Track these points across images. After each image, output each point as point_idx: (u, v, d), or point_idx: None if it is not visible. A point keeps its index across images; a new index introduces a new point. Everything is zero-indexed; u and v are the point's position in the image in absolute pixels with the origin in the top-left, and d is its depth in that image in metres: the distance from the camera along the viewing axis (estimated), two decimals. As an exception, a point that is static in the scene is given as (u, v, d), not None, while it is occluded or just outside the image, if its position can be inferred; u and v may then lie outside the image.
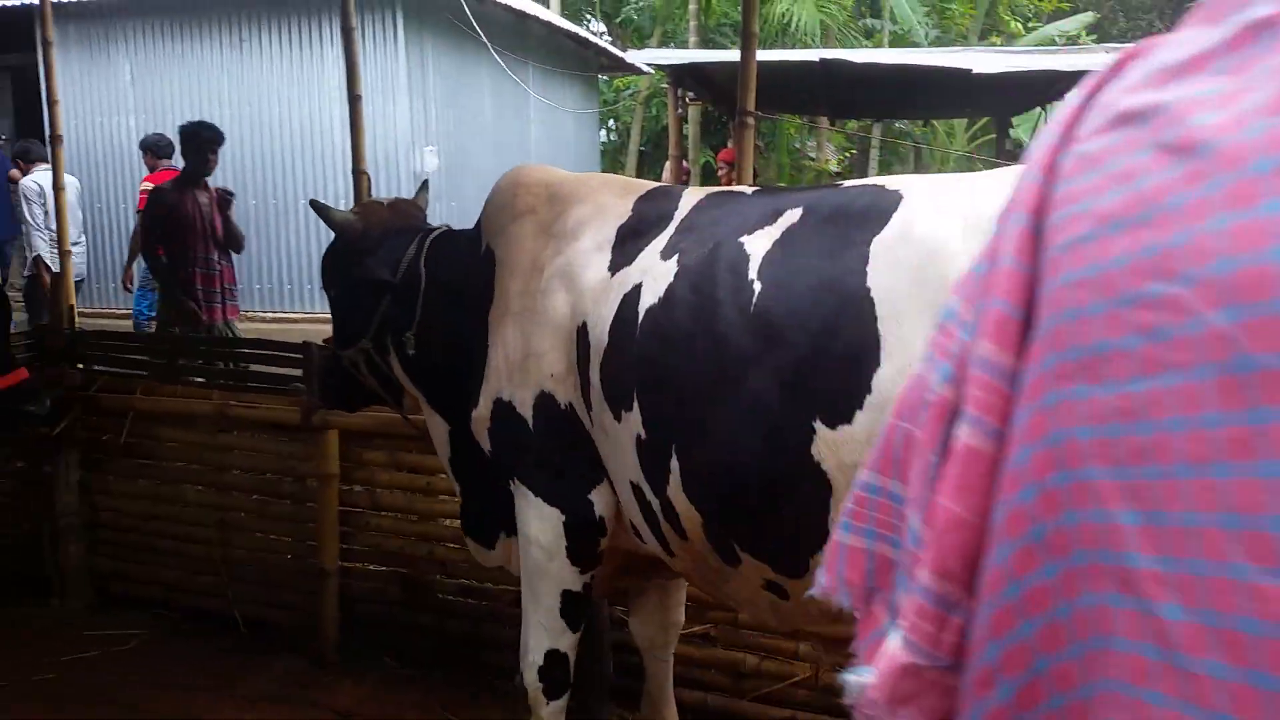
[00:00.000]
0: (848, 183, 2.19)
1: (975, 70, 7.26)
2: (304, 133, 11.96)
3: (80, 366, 4.73)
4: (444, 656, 4.06)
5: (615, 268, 2.41)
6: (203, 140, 6.67)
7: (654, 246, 2.35)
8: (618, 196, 2.59)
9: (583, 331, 2.42)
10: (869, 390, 1.81)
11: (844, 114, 10.83)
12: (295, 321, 11.92)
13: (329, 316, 3.24)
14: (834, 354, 1.87)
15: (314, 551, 4.22)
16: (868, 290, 1.84)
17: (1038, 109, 9.97)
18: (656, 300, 2.22)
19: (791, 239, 2.07)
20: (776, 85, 6.50)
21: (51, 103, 5.41)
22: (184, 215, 6.52)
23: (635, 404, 2.24)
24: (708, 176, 15.57)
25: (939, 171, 19.13)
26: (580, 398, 2.46)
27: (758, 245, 2.11)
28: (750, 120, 5.45)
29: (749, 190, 2.41)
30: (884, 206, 1.95)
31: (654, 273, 2.28)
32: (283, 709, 3.74)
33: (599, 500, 2.54)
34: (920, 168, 21.06)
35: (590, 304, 2.41)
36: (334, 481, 4.13)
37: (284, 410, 4.21)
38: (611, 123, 23.54)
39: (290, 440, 4.28)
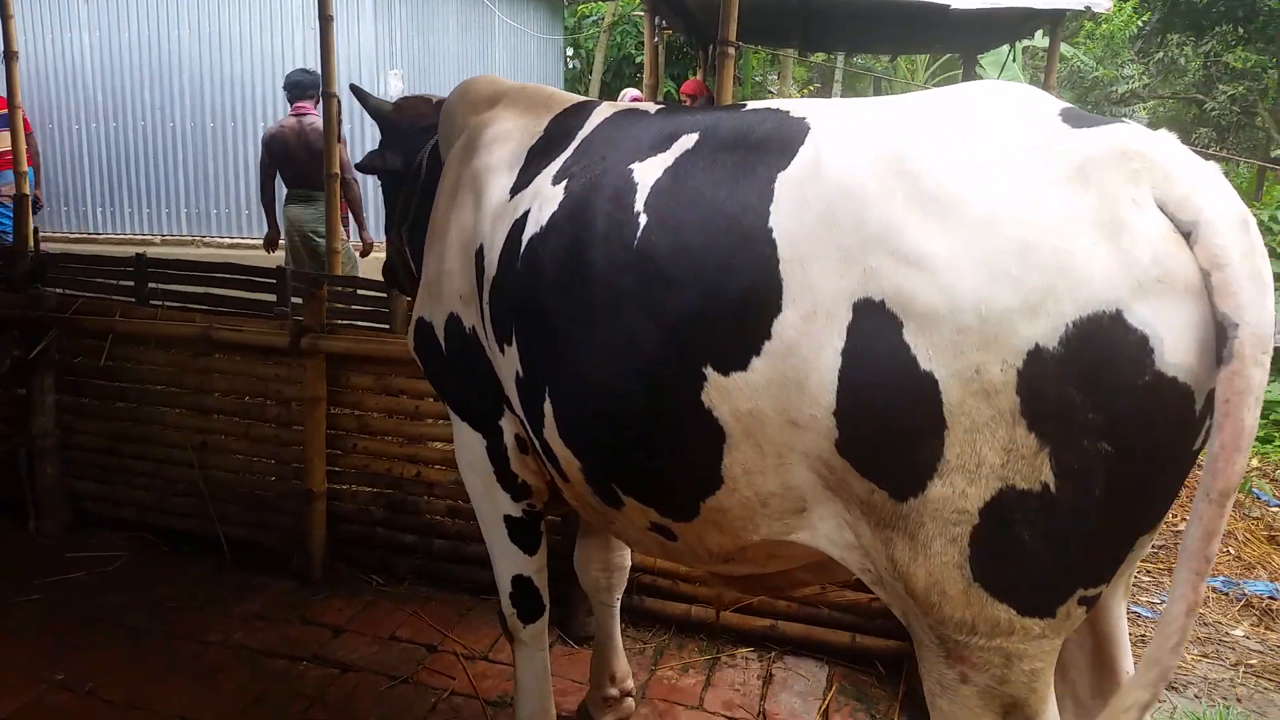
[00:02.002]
0: (749, 104, 2.00)
1: (954, 6, 7.26)
2: (268, 55, 11.66)
3: (60, 291, 4.66)
4: (431, 576, 4.15)
5: (515, 190, 2.28)
6: None
7: (549, 169, 2.21)
8: (539, 112, 2.47)
9: (480, 255, 2.32)
10: (768, 337, 1.65)
11: (817, 47, 10.76)
12: (255, 247, 11.72)
13: None
14: (730, 297, 1.70)
15: (299, 474, 4.25)
16: (770, 231, 1.68)
17: (1006, 46, 10.00)
18: (539, 229, 2.07)
19: (685, 168, 1.89)
20: (752, 16, 6.47)
21: (5, 17, 5.22)
22: None
23: (514, 339, 2.14)
24: (671, 107, 15.46)
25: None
26: (480, 322, 2.37)
27: (647, 173, 1.94)
28: (731, 51, 5.46)
29: (653, 109, 2.23)
30: (788, 136, 1.78)
31: (542, 197, 2.13)
32: (276, 627, 3.80)
33: (506, 428, 2.46)
34: (881, 102, 21.04)
35: (488, 226, 2.30)
36: (321, 405, 4.14)
37: (271, 334, 4.21)
38: (570, 50, 23.16)
39: (275, 364, 4.28)
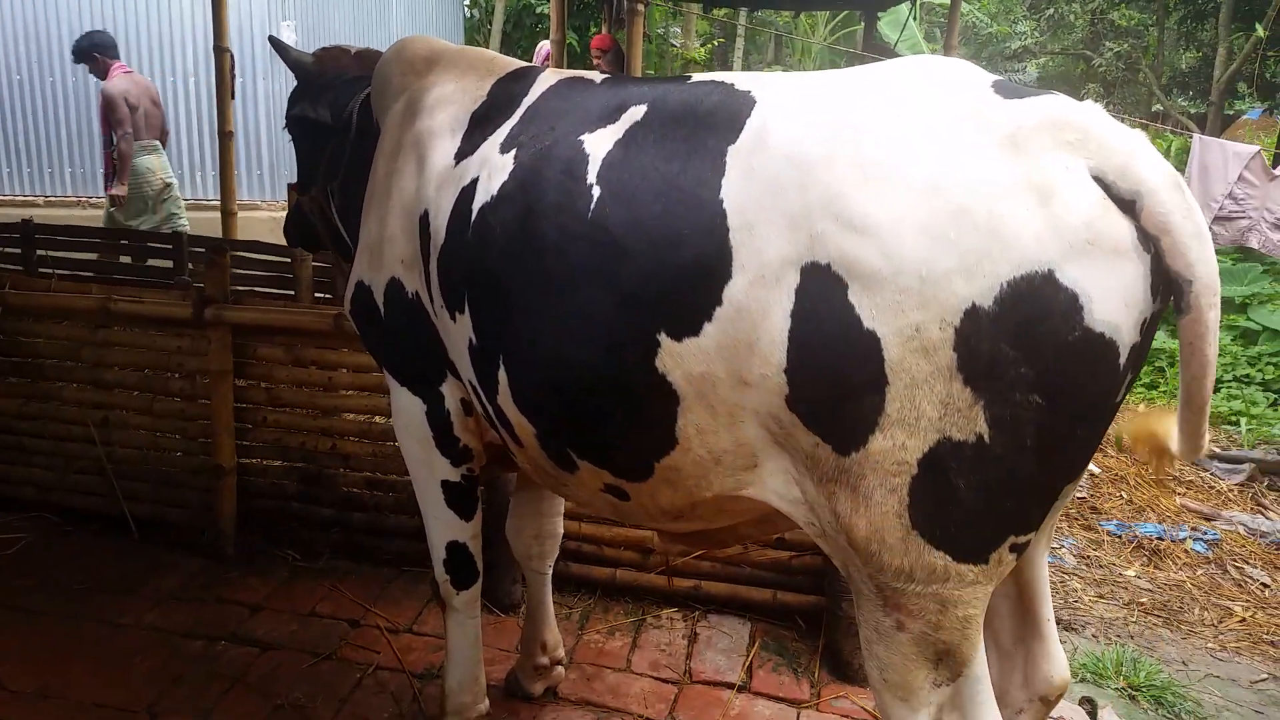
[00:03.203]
0: (695, 76, 2.05)
1: (854, -38, 7.31)
2: (151, 4, 11.09)
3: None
4: (351, 550, 4.09)
5: (460, 156, 2.28)
6: None
7: (496, 136, 2.22)
8: (480, 76, 2.46)
9: (425, 220, 2.32)
10: (719, 303, 1.72)
11: (719, 3, 10.70)
12: (145, 208, 11.25)
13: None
14: (681, 266, 1.76)
15: (207, 449, 4.13)
16: (720, 201, 1.74)
17: (905, 4, 10.10)
18: (489, 198, 2.10)
19: (635, 140, 1.93)
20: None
21: None
22: None
23: (466, 308, 2.16)
24: (572, 61, 15.24)
25: (799, 61, 19.27)
26: (424, 288, 2.38)
27: (598, 145, 1.98)
28: (640, 7, 5.41)
29: (598, 78, 2.26)
30: (735, 109, 1.84)
31: (491, 165, 2.15)
32: (190, 607, 3.71)
33: (449, 393, 2.48)
34: (780, 57, 21.16)
35: (433, 192, 2.30)
36: (228, 378, 4.02)
37: (172, 305, 4.05)
38: (469, 0, 22.62)
39: (178, 335, 4.13)
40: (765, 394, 1.71)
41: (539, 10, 19.80)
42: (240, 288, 4.11)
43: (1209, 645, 4.05)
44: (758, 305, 1.68)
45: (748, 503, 1.93)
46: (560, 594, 3.78)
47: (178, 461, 4.25)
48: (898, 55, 11.47)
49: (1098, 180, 1.52)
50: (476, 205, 2.13)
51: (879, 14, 10.79)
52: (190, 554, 4.11)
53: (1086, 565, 4.73)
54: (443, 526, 2.67)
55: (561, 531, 3.15)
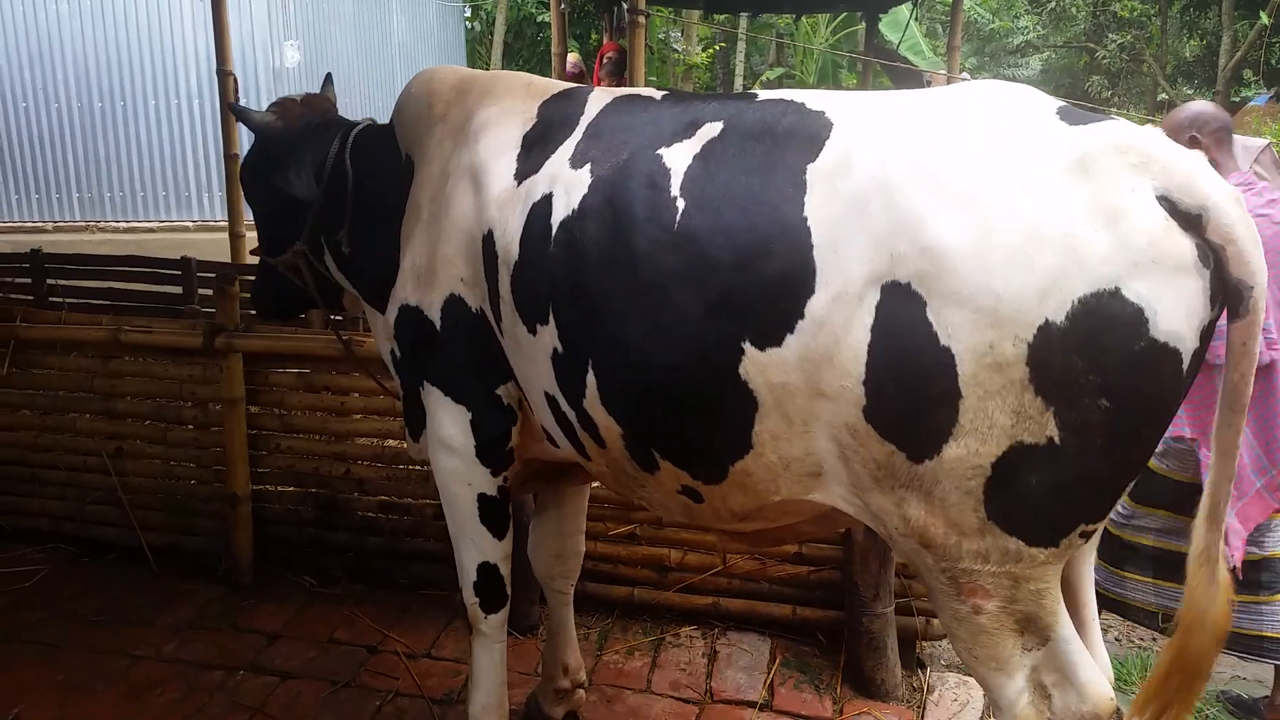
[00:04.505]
0: (760, 95, 2.14)
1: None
2: (155, 30, 11.13)
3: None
4: (366, 574, 4.08)
5: (521, 176, 2.33)
6: None
7: (561, 154, 2.28)
8: (524, 98, 2.51)
9: (489, 241, 2.36)
10: (801, 316, 1.82)
11: (720, 8, 10.69)
12: (152, 231, 11.30)
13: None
14: (766, 278, 1.86)
15: (222, 477, 4.13)
16: (804, 219, 1.83)
17: (907, 4, 10.09)
18: (570, 212, 2.16)
19: (713, 155, 2.03)
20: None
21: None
22: None
23: (551, 318, 2.21)
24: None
25: (801, 64, 19.23)
26: (489, 306, 2.42)
27: (677, 160, 2.06)
28: (641, 19, 5.40)
29: (656, 94, 2.33)
30: (813, 129, 1.93)
31: (565, 182, 2.21)
32: (209, 637, 3.70)
33: (505, 394, 2.53)
34: (782, 60, 21.13)
35: (495, 212, 2.35)
36: (240, 405, 4.02)
37: (183, 334, 4.06)
38: (469, 11, 22.66)
39: (189, 364, 4.13)
40: (842, 405, 1.81)
41: (540, 19, 19.84)
42: (251, 312, 4.10)
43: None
44: (839, 320, 1.78)
45: (812, 505, 2.04)
46: (578, 614, 3.74)
47: (192, 490, 4.26)
48: (900, 56, 11.47)
49: (1163, 199, 1.62)
50: (556, 219, 2.19)
51: (880, 15, 10.78)
52: (207, 582, 4.11)
53: (1107, 568, 4.68)
54: (474, 547, 2.69)
55: (583, 550, 3.14)
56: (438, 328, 2.52)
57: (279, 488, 4.18)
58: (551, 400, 2.33)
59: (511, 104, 2.51)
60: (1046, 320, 1.60)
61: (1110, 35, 20.67)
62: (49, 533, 4.43)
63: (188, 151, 11.27)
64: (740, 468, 2.02)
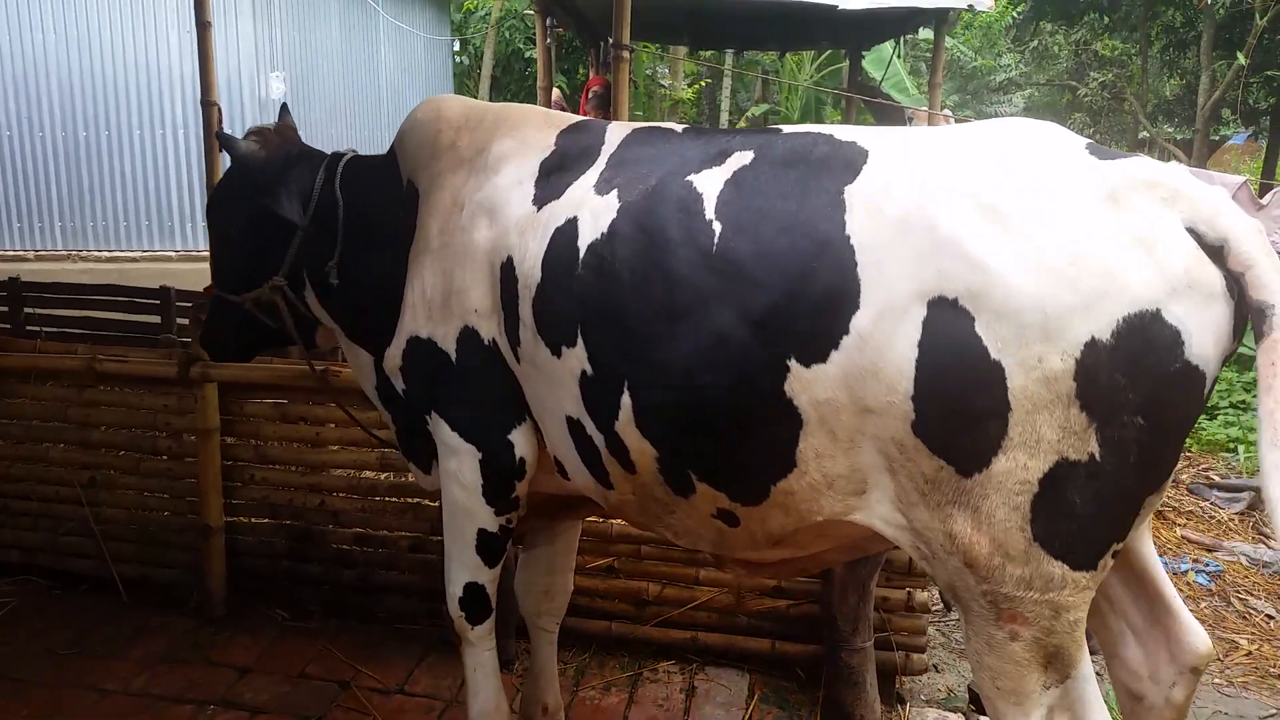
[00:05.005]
0: (785, 129, 2.20)
1: (842, 6, 7.37)
2: (140, 60, 11.15)
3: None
4: (340, 608, 4.03)
5: (541, 202, 2.36)
6: None
7: (584, 181, 2.32)
8: (540, 129, 2.55)
9: (508, 266, 2.37)
10: (846, 332, 1.86)
11: (706, 44, 10.80)
12: (135, 261, 11.26)
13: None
14: (811, 296, 1.89)
15: (195, 508, 4.08)
16: (846, 236, 1.88)
17: (890, 42, 10.21)
18: (600, 235, 2.19)
19: (745, 181, 2.07)
20: (643, 13, 6.47)
21: None
22: None
23: (579, 340, 2.21)
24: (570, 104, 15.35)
25: (787, 100, 19.39)
26: (504, 335, 2.42)
27: (708, 185, 2.10)
28: (626, 55, 5.43)
29: (677, 128, 2.39)
30: (849, 156, 1.99)
31: (591, 208, 2.24)
32: (180, 670, 3.64)
33: (519, 441, 2.51)
34: (768, 96, 21.31)
35: (515, 238, 2.36)
36: (215, 435, 3.98)
37: (158, 363, 4.02)
38: (457, 44, 22.81)
39: (165, 394, 4.09)
40: (889, 420, 1.83)
41: (527, 55, 19.98)
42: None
43: (1215, 680, 3.99)
44: (884, 335, 1.81)
45: (849, 527, 2.06)
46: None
47: (166, 521, 4.21)
48: (883, 94, 11.59)
49: (1190, 231, 1.73)
50: (583, 242, 2.21)
51: (863, 53, 10.90)
52: (179, 615, 4.05)
53: (1088, 603, 4.66)
54: (463, 569, 2.68)
55: (571, 587, 3.11)
56: (453, 360, 2.50)
57: (253, 519, 4.13)
58: (574, 426, 2.32)
59: (529, 134, 2.54)
60: (1093, 337, 1.67)
61: (1092, 74, 20.92)
62: (21, 564, 4.37)
63: (171, 182, 11.27)
64: (783, 487, 2.03)
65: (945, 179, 1.84)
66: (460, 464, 2.56)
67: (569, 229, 2.25)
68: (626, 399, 2.15)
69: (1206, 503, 6.03)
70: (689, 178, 2.14)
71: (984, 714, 3.45)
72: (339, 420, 3.92)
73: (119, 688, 3.52)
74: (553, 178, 2.39)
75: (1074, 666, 1.89)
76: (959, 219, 1.77)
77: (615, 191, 2.23)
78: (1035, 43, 22.02)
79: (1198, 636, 2.18)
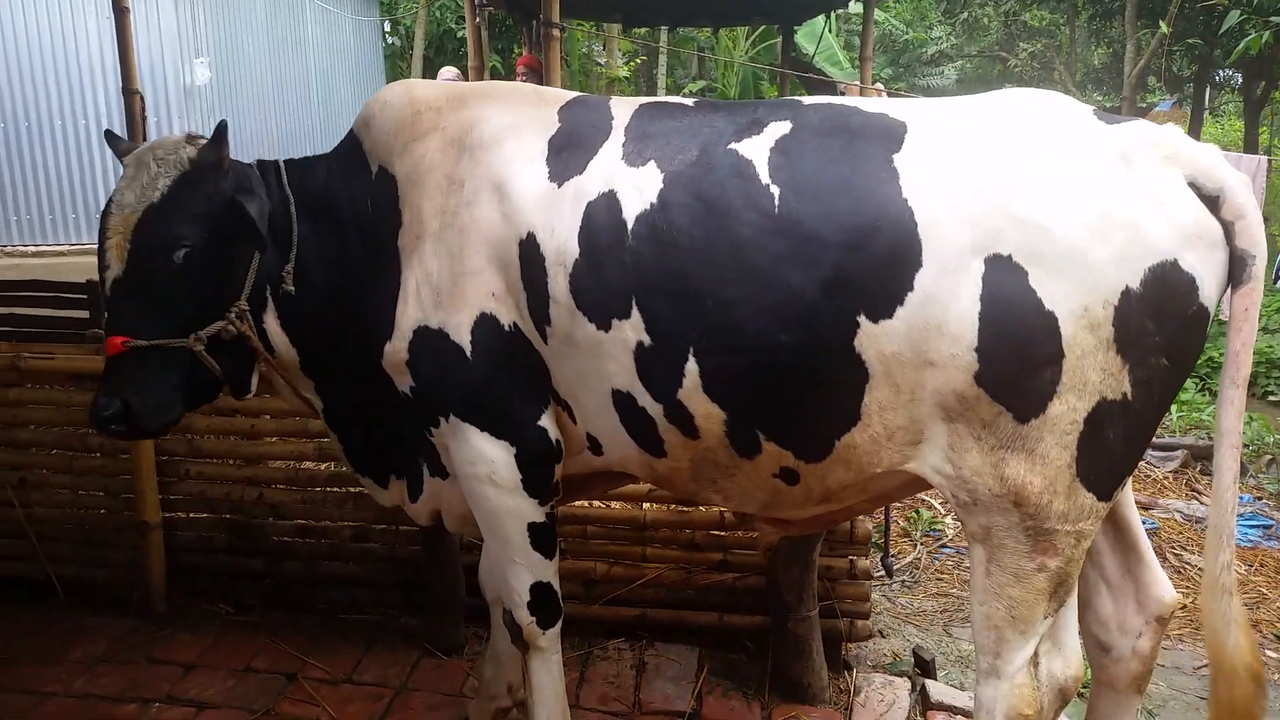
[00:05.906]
0: (807, 100, 2.32)
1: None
2: (59, 48, 10.81)
3: None
4: (283, 600, 3.99)
5: (560, 178, 2.34)
6: None
7: (606, 155, 2.32)
8: (534, 106, 2.52)
9: (529, 243, 2.32)
10: (911, 288, 1.99)
11: (639, 21, 10.75)
12: (63, 255, 10.95)
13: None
14: (877, 254, 2.00)
15: (131, 505, 4.00)
16: (905, 199, 2.01)
17: (821, 16, 10.24)
18: (648, 206, 2.21)
19: (790, 148, 2.16)
20: (573, -8, 6.44)
21: None
22: None
23: (634, 311, 2.21)
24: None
25: (723, 76, 19.42)
26: (527, 316, 2.36)
27: (755, 152, 2.18)
28: (556, 32, 5.38)
29: (687, 101, 2.44)
30: (888, 125, 2.13)
31: (629, 180, 2.25)
32: (122, 670, 3.57)
33: (550, 425, 2.47)
34: (704, 73, 21.31)
35: (537, 215, 2.32)
36: (149, 430, 3.90)
37: (85, 358, 3.93)
38: (387, 25, 22.44)
39: (94, 390, 3.97)
40: (952, 371, 1.98)
41: (460, 34, 19.71)
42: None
43: (1150, 635, 4.10)
44: (946, 291, 1.96)
45: (891, 478, 2.21)
46: (504, 631, 3.71)
47: (101, 519, 4.12)
48: (816, 68, 11.64)
49: (1191, 185, 1.95)
50: (630, 214, 2.23)
51: (795, 27, 10.92)
52: (120, 614, 3.98)
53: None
54: (525, 571, 2.61)
55: None
56: (468, 353, 2.40)
57: (191, 514, 4.07)
58: (621, 399, 2.30)
59: (525, 111, 2.50)
60: (1127, 286, 1.89)
61: (1022, 44, 21.27)
62: (-53, 570, 4.24)
63: (97, 173, 10.97)
64: (846, 441, 2.14)
65: (981, 147, 2.03)
66: (493, 466, 2.47)
67: (606, 202, 2.26)
68: (692, 365, 2.19)
69: (1142, 461, 6.19)
70: (732, 146, 2.21)
71: (929, 677, 3.54)
72: (275, 410, 3.86)
73: (59, 690, 3.45)
74: (565, 154, 2.38)
75: (1070, 593, 2.11)
76: (1002, 182, 1.96)
77: (652, 163, 2.26)
78: (965, 15, 22.30)
79: (1164, 587, 2.36)
